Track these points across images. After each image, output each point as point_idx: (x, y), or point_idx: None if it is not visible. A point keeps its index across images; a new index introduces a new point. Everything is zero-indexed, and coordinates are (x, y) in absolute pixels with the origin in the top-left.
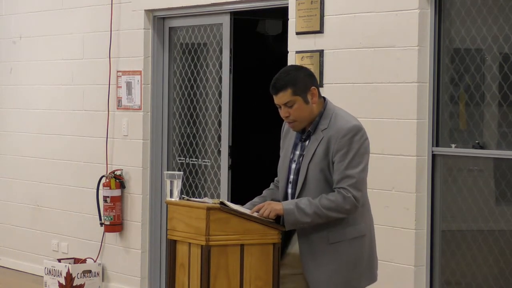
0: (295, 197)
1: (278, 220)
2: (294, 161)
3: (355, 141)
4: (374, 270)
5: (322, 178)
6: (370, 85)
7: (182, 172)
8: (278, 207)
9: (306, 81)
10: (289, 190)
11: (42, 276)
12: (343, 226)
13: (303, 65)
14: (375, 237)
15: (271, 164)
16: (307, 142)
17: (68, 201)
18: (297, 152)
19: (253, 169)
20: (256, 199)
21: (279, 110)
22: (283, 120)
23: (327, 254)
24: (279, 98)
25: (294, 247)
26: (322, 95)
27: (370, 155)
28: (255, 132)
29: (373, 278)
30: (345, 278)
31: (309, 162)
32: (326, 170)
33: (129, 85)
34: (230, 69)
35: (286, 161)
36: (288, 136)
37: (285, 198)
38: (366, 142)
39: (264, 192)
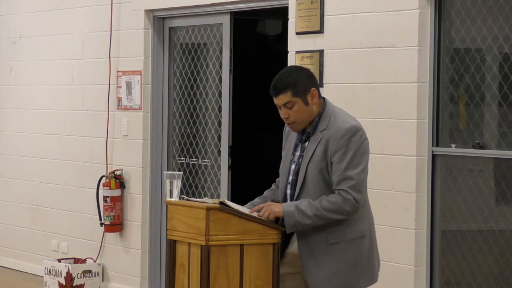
0: (294, 198)
1: (277, 221)
2: (294, 162)
3: (354, 142)
4: (375, 271)
5: (321, 179)
6: (370, 85)
7: (181, 172)
8: (277, 209)
9: (306, 82)
10: (288, 191)
11: (42, 276)
12: (342, 227)
13: (303, 65)
14: (376, 238)
15: (271, 164)
16: (306, 143)
17: (68, 201)
18: (297, 153)
19: (253, 169)
20: (256, 200)
21: (279, 110)
22: (283, 121)
23: (327, 254)
24: (279, 100)
25: (294, 246)
26: (322, 95)
27: (370, 155)
28: (255, 132)
29: (373, 279)
30: (344, 279)
31: (308, 163)
32: (324, 171)
33: (129, 85)
34: (230, 69)
35: (287, 162)
36: (289, 137)
37: (284, 198)
38: (365, 143)
39: (265, 192)
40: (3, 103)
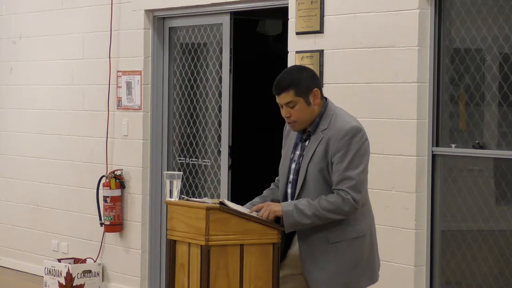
0: (295, 197)
1: (277, 221)
2: (294, 161)
3: (354, 142)
4: (375, 270)
5: (321, 178)
6: (370, 85)
7: (181, 172)
8: (277, 208)
9: (309, 82)
10: (289, 190)
11: (42, 276)
12: (343, 226)
13: (305, 66)
14: (376, 237)
15: (271, 164)
16: (307, 142)
17: (68, 201)
18: (297, 152)
19: (253, 169)
20: (256, 199)
21: (280, 109)
22: (283, 120)
23: (327, 254)
24: (281, 98)
25: (295, 247)
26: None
27: (370, 155)
28: (255, 132)
29: (373, 279)
30: (345, 278)
31: (309, 162)
32: (325, 171)
33: (129, 85)
34: (230, 69)
35: (287, 161)
36: (289, 136)
37: (285, 197)
38: (366, 143)
39: (264, 192)
40: (3, 103)
